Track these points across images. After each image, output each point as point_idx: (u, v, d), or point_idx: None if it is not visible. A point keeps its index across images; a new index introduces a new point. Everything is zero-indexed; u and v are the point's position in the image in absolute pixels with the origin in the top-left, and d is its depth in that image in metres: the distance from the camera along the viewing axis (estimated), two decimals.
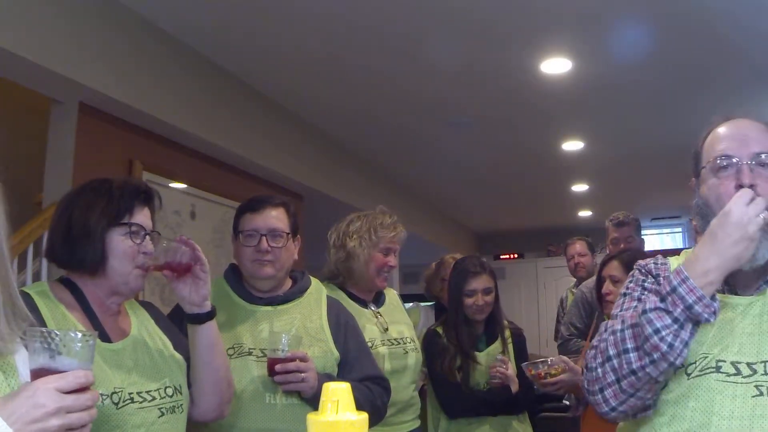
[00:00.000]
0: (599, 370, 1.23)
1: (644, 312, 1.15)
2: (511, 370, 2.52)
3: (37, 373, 0.94)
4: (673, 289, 1.13)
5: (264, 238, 1.90)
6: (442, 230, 7.99)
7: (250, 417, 1.77)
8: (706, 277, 1.13)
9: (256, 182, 4.25)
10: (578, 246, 4.68)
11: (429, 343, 2.69)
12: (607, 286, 2.49)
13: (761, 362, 1.17)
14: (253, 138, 4.02)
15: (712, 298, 1.13)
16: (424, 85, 4.08)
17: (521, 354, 2.69)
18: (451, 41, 3.49)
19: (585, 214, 8.46)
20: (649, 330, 1.13)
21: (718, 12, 3.19)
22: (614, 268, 2.48)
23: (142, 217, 1.48)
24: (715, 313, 1.13)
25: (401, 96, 4.26)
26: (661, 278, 1.33)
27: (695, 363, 1.21)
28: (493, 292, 2.67)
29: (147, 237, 1.47)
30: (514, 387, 2.49)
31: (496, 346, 2.65)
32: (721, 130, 1.34)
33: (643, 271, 1.38)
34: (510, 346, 2.66)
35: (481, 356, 2.62)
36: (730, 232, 1.12)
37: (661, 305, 1.13)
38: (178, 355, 1.55)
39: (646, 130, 5.07)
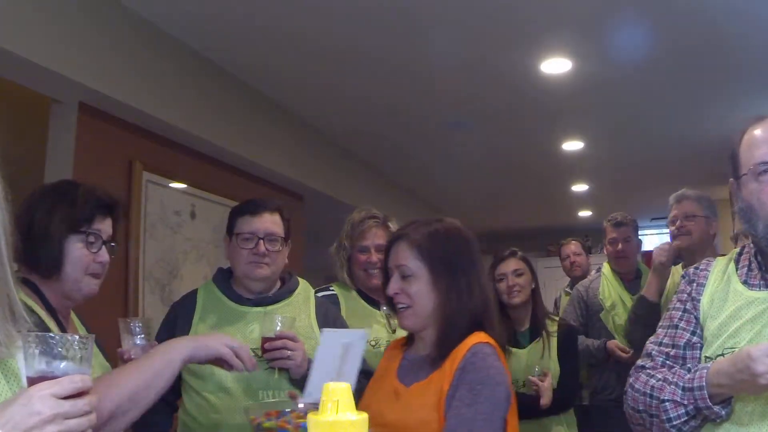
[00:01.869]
0: (629, 410, 1.45)
1: (662, 401, 1.35)
2: (548, 382, 2.52)
3: (34, 380, 0.92)
4: (691, 389, 1.31)
5: (261, 241, 1.94)
6: None
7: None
8: (720, 389, 1.27)
9: (256, 182, 4.25)
10: (573, 246, 4.74)
11: None
12: (394, 285, 1.57)
13: None
14: (253, 138, 4.02)
15: (724, 401, 1.28)
16: (424, 85, 4.08)
17: (566, 351, 2.66)
18: (451, 41, 3.49)
19: (585, 214, 8.47)
20: (663, 417, 1.34)
21: (718, 12, 3.19)
22: (403, 255, 1.58)
23: (102, 226, 1.51)
24: (721, 417, 1.29)
25: (401, 96, 4.26)
26: (696, 285, 1.46)
27: (723, 355, 1.32)
28: (526, 275, 2.71)
29: (104, 246, 1.50)
30: (544, 401, 2.49)
31: (539, 342, 2.66)
32: (758, 133, 1.38)
33: (687, 279, 1.49)
34: (554, 341, 2.66)
35: (522, 353, 2.65)
36: (743, 377, 1.21)
37: (677, 399, 1.33)
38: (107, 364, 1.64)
39: (646, 130, 5.07)
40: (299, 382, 1.81)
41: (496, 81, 4.04)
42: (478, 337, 1.50)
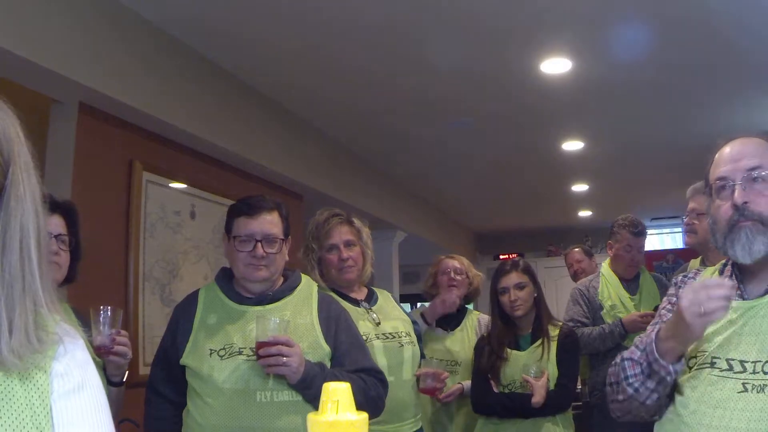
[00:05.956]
0: (607, 388, 1.50)
1: (623, 359, 1.43)
2: (542, 381, 2.53)
3: None
4: (644, 349, 1.39)
5: (259, 243, 1.91)
6: (442, 230, 7.99)
7: (242, 415, 1.79)
8: (667, 342, 1.34)
9: (256, 182, 4.25)
10: (576, 254, 4.77)
11: (477, 342, 2.82)
12: None
13: (755, 362, 1.29)
14: (253, 138, 4.02)
15: (678, 359, 1.35)
16: (424, 85, 4.08)
17: (565, 353, 2.66)
18: (452, 41, 3.49)
19: (585, 214, 8.47)
20: (621, 375, 1.42)
21: (718, 12, 3.19)
22: None
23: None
24: (670, 374, 1.34)
25: (401, 96, 4.26)
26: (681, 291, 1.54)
27: (696, 357, 1.39)
28: (528, 288, 2.72)
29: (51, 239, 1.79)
30: (535, 399, 2.49)
31: (539, 345, 2.66)
32: (725, 151, 1.45)
33: (676, 285, 1.58)
34: (553, 345, 2.66)
35: (522, 355, 2.66)
36: (677, 319, 1.30)
37: (635, 357, 1.40)
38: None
39: (646, 130, 5.07)
40: (298, 386, 1.79)
41: (496, 81, 4.04)
42: None
